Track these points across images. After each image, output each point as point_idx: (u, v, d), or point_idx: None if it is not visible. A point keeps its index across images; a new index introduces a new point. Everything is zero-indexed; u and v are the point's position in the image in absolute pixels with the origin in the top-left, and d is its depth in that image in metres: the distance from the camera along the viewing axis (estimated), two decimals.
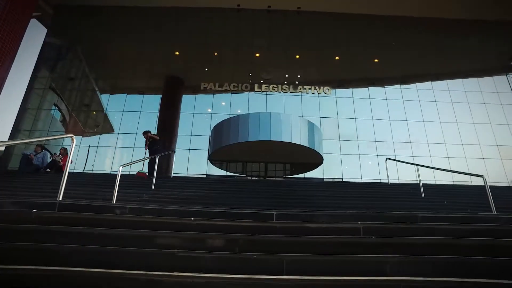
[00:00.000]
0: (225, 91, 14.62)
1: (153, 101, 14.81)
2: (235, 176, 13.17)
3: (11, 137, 13.59)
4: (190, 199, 5.15)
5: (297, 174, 13.60)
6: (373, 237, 2.58)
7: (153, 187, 5.95)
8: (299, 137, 10.47)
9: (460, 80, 15.58)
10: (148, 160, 7.20)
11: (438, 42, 16.26)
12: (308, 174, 13.25)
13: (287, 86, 14.75)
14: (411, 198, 6.10)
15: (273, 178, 13.27)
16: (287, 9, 16.60)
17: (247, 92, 14.63)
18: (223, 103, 14.55)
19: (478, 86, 15.17)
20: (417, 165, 6.48)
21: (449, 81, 15.50)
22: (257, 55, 16.25)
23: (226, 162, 13.22)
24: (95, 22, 16.42)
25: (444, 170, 6.56)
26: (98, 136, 14.17)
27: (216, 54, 15.88)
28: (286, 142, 10.33)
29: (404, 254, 2.32)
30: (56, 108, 14.96)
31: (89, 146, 13.74)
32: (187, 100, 14.79)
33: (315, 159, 12.55)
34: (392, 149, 13.14)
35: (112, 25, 16.58)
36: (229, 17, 16.52)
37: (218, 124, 11.99)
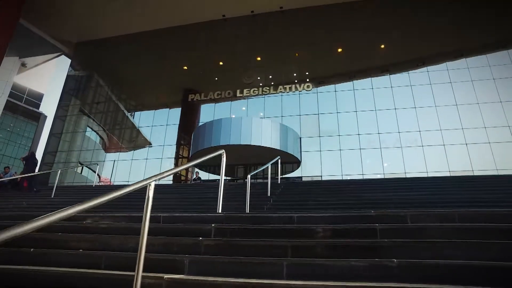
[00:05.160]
0: (210, 100, 15.37)
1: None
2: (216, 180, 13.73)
3: (43, 158, 16.41)
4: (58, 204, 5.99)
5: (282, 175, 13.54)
6: None
7: (52, 196, 6.96)
8: (260, 139, 10.60)
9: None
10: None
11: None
12: (292, 174, 13.13)
13: (268, 86, 14.83)
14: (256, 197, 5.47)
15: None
16: (270, 11, 16.68)
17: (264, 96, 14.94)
18: (243, 108, 15.00)
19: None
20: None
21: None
22: (259, 58, 16.72)
23: (209, 166, 13.91)
24: (111, 51, 18.73)
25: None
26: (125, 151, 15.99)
27: (221, 64, 16.70)
28: (246, 145, 10.58)
29: None
30: (91, 129, 17.50)
31: (119, 160, 15.61)
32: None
33: (292, 159, 12.42)
34: (378, 141, 12.23)
35: (124, 51, 18.58)
36: (218, 28, 17.26)
37: (195, 129, 12.79)
